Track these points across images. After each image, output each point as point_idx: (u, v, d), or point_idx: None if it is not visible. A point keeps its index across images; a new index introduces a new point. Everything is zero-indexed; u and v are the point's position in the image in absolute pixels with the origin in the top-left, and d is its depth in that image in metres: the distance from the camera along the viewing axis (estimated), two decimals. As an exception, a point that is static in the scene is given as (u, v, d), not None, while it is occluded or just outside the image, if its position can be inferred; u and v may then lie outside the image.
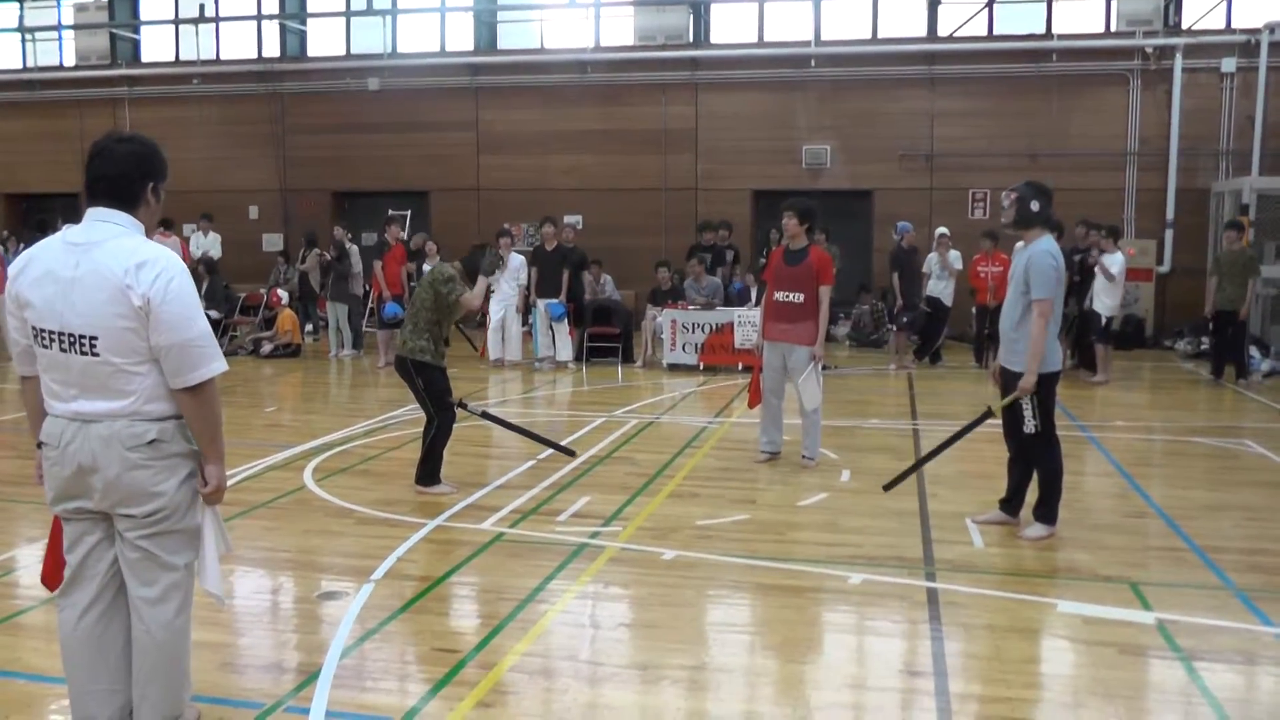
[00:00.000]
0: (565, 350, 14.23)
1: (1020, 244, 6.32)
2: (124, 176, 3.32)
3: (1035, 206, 6.16)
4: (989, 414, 6.50)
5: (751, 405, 8.50)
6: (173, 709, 3.49)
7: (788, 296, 7.99)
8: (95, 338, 3.22)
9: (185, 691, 3.57)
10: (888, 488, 6.94)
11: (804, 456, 8.15)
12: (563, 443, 8.19)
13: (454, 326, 15.83)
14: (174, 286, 3.22)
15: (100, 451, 3.27)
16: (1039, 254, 6.07)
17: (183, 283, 3.26)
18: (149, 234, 3.40)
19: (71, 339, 3.24)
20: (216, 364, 3.31)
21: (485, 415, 7.65)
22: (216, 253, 18.03)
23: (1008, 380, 6.26)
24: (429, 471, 7.32)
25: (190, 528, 3.46)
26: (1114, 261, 12.69)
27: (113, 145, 3.35)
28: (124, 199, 3.32)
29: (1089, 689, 4.20)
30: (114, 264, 3.20)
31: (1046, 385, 6.14)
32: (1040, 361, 6.05)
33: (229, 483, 7.38)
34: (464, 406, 7.47)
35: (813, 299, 7.94)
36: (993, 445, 7.88)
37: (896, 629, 4.90)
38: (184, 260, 15.57)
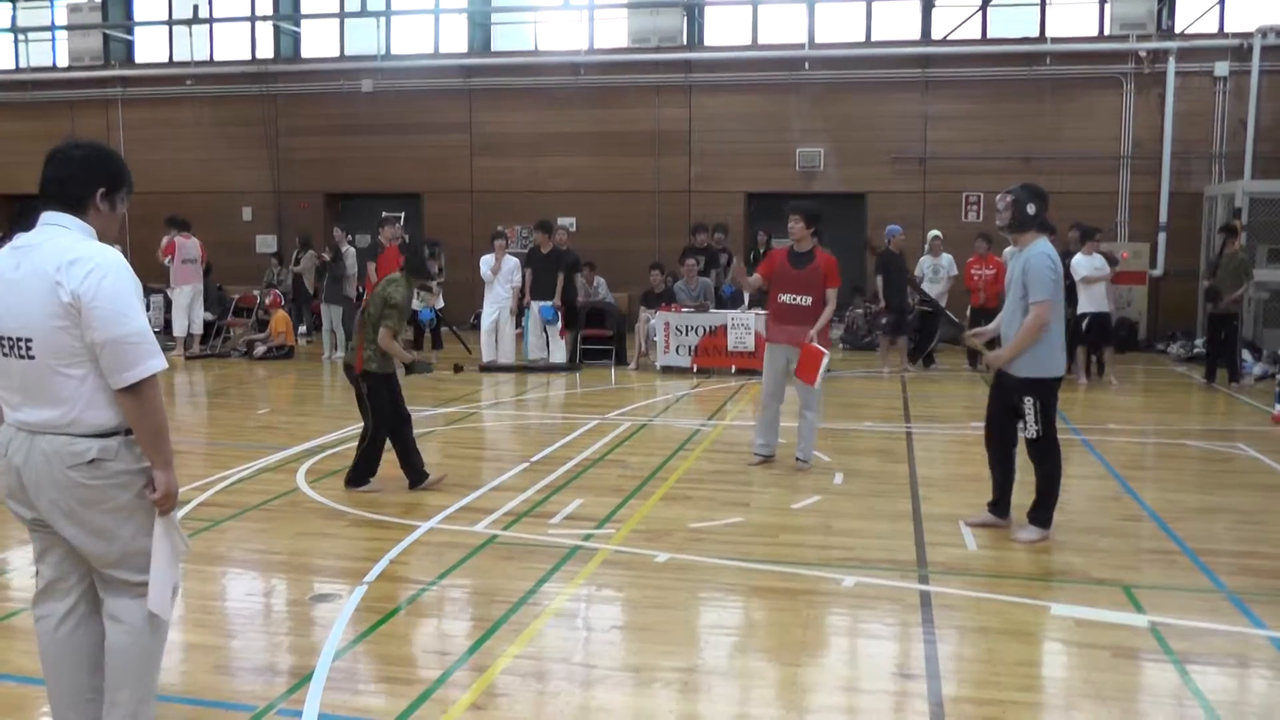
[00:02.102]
0: (558, 353, 14.23)
1: (1010, 249, 6.32)
2: (72, 179, 3.26)
3: (1032, 210, 6.15)
4: (960, 332, 6.75)
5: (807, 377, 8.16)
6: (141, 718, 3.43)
7: (795, 299, 8.00)
8: (29, 339, 3.17)
9: (149, 705, 3.47)
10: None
11: (797, 459, 8.14)
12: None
13: (449, 329, 15.96)
14: (106, 284, 3.13)
15: (42, 468, 3.21)
16: (1036, 256, 6.06)
17: (117, 280, 3.16)
18: (104, 238, 3.32)
19: (11, 342, 3.19)
20: (153, 361, 3.18)
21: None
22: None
23: (1006, 384, 6.26)
24: (360, 474, 7.36)
25: (148, 548, 3.35)
26: (1084, 265, 12.63)
27: (68, 150, 3.29)
28: (71, 203, 3.26)
29: (1082, 692, 4.20)
30: (47, 263, 3.14)
31: (1048, 390, 6.14)
32: (1022, 350, 6.05)
33: (223, 484, 7.44)
34: (420, 363, 7.79)
35: (820, 301, 7.97)
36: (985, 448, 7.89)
37: (889, 631, 4.90)
38: (202, 261, 15.65)
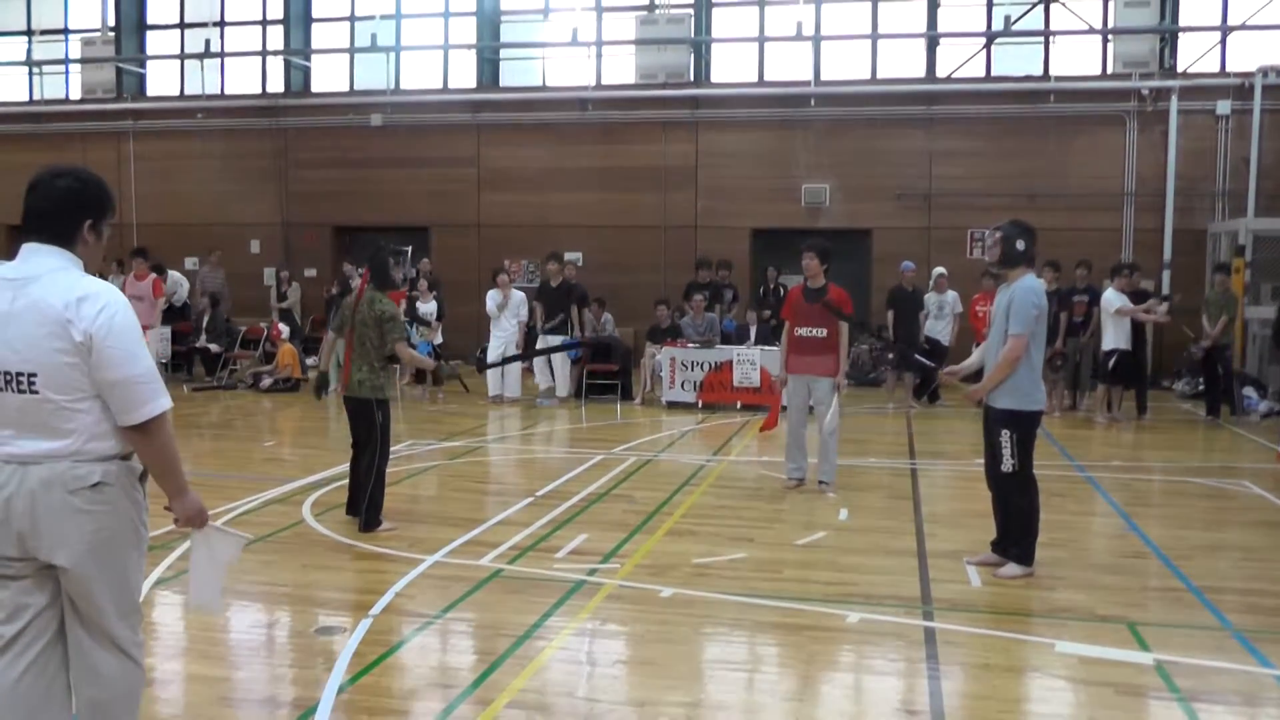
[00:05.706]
0: (547, 378, 14.27)
1: (1003, 285, 6.39)
2: (60, 212, 3.19)
3: (1020, 246, 6.24)
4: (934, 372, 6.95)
5: (764, 428, 9.18)
6: None
7: (810, 332, 8.47)
8: (34, 374, 3.08)
9: None
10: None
11: (821, 482, 8.49)
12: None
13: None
14: (117, 322, 3.10)
15: (40, 493, 3.09)
16: (1022, 290, 6.15)
17: (125, 318, 3.14)
18: (89, 268, 3.25)
19: (8, 377, 3.10)
20: (162, 400, 3.17)
21: (481, 368, 7.95)
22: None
23: (989, 416, 6.30)
24: (374, 514, 7.20)
25: (129, 589, 3.26)
26: (1116, 300, 12.74)
27: (49, 180, 3.20)
28: (60, 235, 3.19)
29: (1086, 730, 4.19)
30: (53, 298, 3.08)
31: (1026, 423, 6.17)
32: (999, 382, 6.11)
33: (229, 516, 7.45)
34: (446, 367, 8.01)
35: (835, 333, 8.44)
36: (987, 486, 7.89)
37: (894, 668, 4.89)
38: (185, 294, 15.33)
